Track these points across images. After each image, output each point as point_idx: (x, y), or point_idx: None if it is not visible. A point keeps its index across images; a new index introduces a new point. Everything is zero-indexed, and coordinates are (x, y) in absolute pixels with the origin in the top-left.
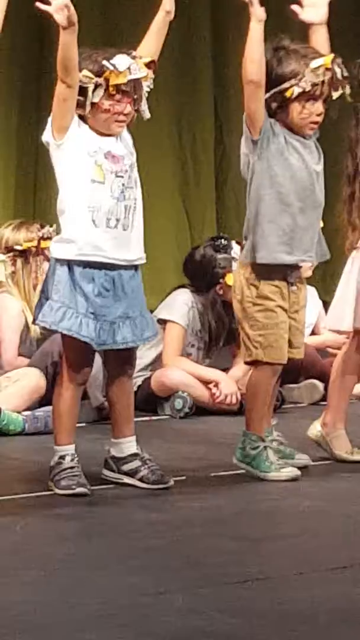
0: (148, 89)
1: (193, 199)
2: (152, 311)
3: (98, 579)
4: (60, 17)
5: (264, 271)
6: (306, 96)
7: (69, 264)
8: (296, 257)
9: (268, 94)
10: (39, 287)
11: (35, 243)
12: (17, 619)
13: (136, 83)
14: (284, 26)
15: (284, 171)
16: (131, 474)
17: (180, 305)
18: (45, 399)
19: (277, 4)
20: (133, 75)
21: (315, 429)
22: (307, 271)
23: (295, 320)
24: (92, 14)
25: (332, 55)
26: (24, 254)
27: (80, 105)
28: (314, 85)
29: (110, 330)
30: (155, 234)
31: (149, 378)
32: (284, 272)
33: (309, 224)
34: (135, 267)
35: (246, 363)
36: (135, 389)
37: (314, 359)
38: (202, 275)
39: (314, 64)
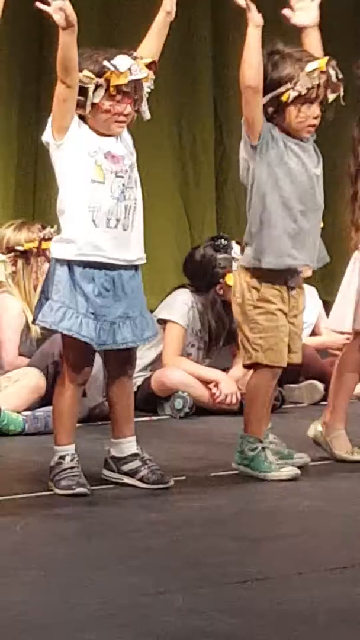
0: (149, 90)
1: (193, 199)
2: (152, 311)
3: (98, 579)
4: (58, 18)
5: (266, 275)
6: (302, 100)
7: (69, 264)
8: (302, 260)
9: (264, 99)
10: (39, 288)
11: (36, 244)
12: (17, 619)
13: (137, 84)
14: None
15: (285, 176)
16: (131, 474)
17: (180, 305)
18: (46, 399)
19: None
20: (134, 76)
21: (315, 429)
22: (307, 272)
23: (294, 324)
24: (92, 14)
25: (327, 58)
26: (25, 254)
27: (80, 105)
28: (309, 88)
29: (111, 330)
30: (155, 234)
31: (149, 378)
32: (285, 276)
33: (311, 227)
34: (136, 267)
35: (245, 366)
36: (135, 389)
37: (314, 359)
38: (202, 275)
39: (309, 67)
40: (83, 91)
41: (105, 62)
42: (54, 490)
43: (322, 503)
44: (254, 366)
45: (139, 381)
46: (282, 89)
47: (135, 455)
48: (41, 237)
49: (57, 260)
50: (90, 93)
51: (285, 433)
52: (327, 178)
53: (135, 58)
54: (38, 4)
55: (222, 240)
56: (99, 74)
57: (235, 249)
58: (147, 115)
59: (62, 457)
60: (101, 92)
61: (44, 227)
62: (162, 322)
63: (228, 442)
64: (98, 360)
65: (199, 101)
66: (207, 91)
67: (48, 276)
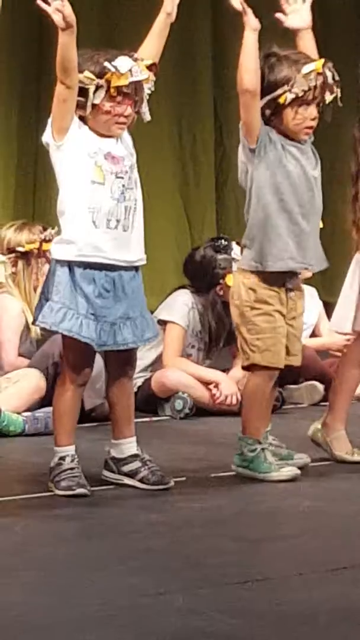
0: (149, 92)
1: (193, 200)
2: (152, 312)
3: (98, 579)
4: (57, 19)
5: (264, 277)
6: (299, 102)
7: (70, 264)
8: (303, 263)
9: (262, 102)
10: (39, 289)
11: (37, 245)
12: (17, 619)
13: (137, 85)
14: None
15: (283, 178)
16: (131, 474)
17: (181, 306)
18: (46, 400)
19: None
20: (134, 77)
21: (315, 430)
22: (306, 273)
23: (293, 327)
24: (92, 14)
25: (323, 59)
26: (26, 255)
27: (80, 106)
28: (306, 90)
29: (111, 331)
30: (155, 235)
31: (149, 379)
32: (283, 278)
33: (311, 229)
34: (136, 268)
35: (243, 368)
36: (135, 389)
37: (314, 360)
38: (202, 276)
39: (306, 69)
40: (83, 92)
41: (106, 63)
42: (54, 491)
43: (322, 503)
44: (252, 367)
45: (139, 382)
46: (279, 91)
47: (135, 456)
48: (42, 239)
49: (58, 261)
50: (91, 94)
51: (285, 434)
52: (326, 179)
53: (136, 59)
54: (39, 2)
55: (223, 241)
56: (99, 75)
57: (236, 249)
58: (147, 117)
59: (62, 458)
60: (102, 93)
61: (45, 229)
62: (162, 322)
63: (228, 442)
64: (99, 361)
65: (199, 102)
66: (207, 92)
67: (48, 277)
